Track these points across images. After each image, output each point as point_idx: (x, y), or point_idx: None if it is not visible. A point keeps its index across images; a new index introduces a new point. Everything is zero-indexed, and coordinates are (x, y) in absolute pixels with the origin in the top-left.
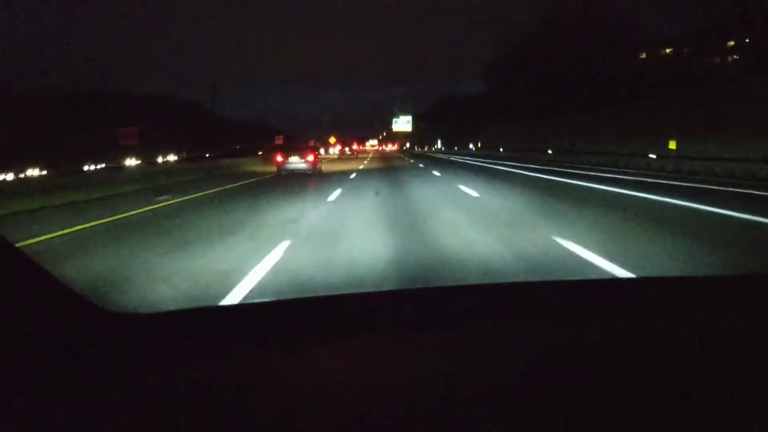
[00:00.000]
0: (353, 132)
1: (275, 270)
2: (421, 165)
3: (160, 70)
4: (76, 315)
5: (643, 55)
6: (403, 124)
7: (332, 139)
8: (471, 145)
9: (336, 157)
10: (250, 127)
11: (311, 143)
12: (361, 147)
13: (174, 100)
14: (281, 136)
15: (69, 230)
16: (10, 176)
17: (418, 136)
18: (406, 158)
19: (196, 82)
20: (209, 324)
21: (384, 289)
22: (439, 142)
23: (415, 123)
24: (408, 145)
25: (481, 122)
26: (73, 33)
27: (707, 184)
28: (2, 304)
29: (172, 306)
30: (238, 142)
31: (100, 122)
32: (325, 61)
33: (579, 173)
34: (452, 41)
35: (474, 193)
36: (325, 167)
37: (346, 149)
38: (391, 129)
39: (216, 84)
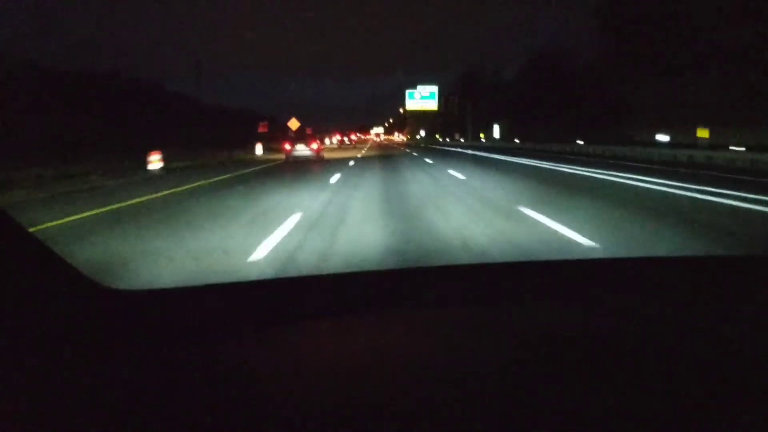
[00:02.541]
0: (354, 120)
1: None
2: None
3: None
4: (75, 293)
5: None
6: (422, 99)
7: (293, 123)
8: (662, 137)
9: (335, 146)
10: (229, 112)
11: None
12: (363, 136)
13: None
14: (265, 123)
15: None
16: None
17: (443, 119)
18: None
19: (168, 63)
20: (211, 301)
21: (386, 268)
22: (496, 128)
23: (442, 99)
24: (422, 133)
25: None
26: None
27: None
28: (2, 282)
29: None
30: (216, 129)
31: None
32: (319, 46)
33: None
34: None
35: None
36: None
37: (345, 139)
38: (401, 114)
39: (200, 65)
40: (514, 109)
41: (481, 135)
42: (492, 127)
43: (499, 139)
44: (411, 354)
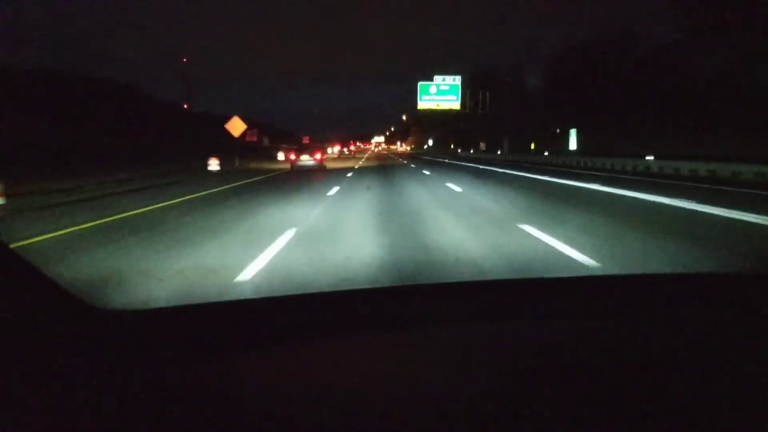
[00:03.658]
0: (354, 129)
1: None
2: None
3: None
4: (62, 312)
5: None
6: (439, 95)
7: (233, 125)
8: None
9: (335, 155)
10: (217, 119)
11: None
12: (363, 146)
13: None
14: (254, 131)
15: None
16: None
17: (462, 123)
18: None
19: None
20: (199, 321)
21: (377, 285)
22: (573, 136)
23: (467, 97)
24: (430, 143)
25: None
26: None
27: None
28: None
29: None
30: (198, 137)
31: None
32: (318, 50)
33: None
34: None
35: None
36: None
37: (345, 150)
38: (404, 122)
39: (188, 73)
40: (586, 111)
41: (532, 146)
42: (568, 135)
43: (576, 152)
44: (402, 375)
